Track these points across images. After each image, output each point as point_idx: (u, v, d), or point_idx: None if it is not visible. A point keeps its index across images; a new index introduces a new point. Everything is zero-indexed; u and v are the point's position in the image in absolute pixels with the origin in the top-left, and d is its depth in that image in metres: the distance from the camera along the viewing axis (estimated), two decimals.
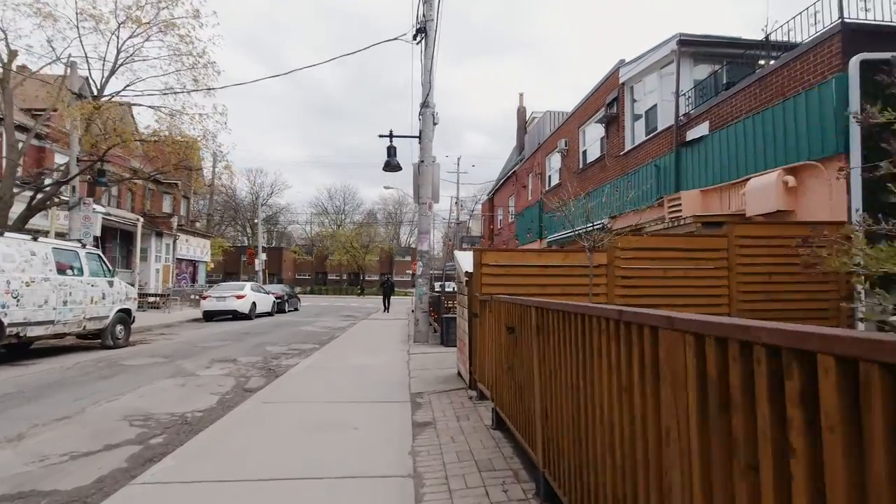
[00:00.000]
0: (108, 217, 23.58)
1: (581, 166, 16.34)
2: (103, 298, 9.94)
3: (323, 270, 68.71)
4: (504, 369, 3.98)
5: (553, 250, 6.19)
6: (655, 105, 11.86)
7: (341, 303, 39.06)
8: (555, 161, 19.79)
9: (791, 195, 7.32)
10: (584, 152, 16.35)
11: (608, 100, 13.97)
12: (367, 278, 69.43)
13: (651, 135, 11.69)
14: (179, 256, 32.62)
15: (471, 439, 3.99)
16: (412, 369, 7.40)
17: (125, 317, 10.63)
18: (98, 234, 21.14)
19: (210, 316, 18.26)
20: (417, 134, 11.22)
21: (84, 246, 10.08)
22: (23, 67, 16.80)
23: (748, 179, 8.14)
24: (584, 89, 20.43)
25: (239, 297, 18.23)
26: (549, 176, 20.41)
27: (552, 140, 19.68)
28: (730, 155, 8.84)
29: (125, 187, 28.76)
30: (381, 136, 11.22)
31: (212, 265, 48.97)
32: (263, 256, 37.93)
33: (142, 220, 21.74)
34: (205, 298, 18.27)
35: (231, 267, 54.55)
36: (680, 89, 10.55)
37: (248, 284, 19.79)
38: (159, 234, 29.93)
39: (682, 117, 10.45)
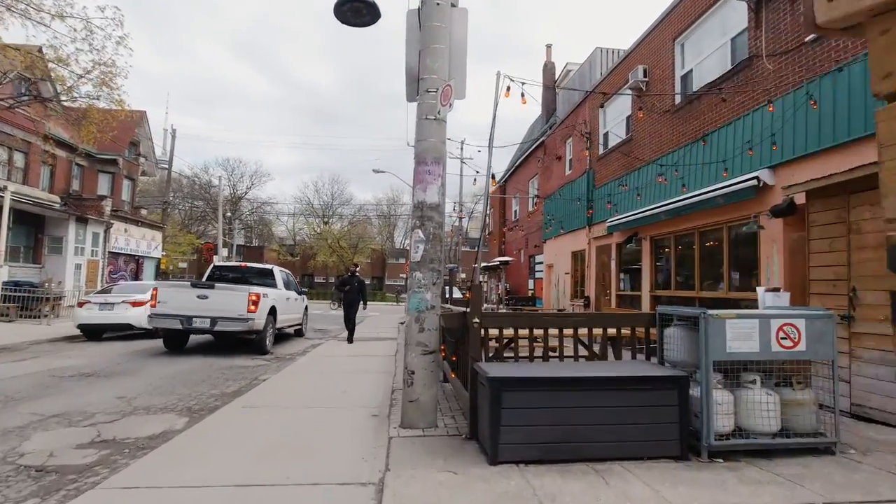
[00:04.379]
0: None
1: (682, 100, 10.09)
2: None
3: (308, 272, 62.11)
4: None
5: None
6: None
7: (319, 310, 32.60)
8: (616, 110, 13.53)
9: None
10: (687, 76, 10.10)
11: None
12: None
13: None
14: (115, 250, 26.12)
15: None
16: None
17: None
18: None
19: (93, 333, 11.79)
20: None
21: None
22: None
23: None
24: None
25: (136, 303, 11.77)
26: (606, 133, 14.13)
27: (614, 78, 13.43)
28: None
29: (34, 157, 22.30)
30: None
31: (182, 264, 42.34)
32: (224, 252, 31.47)
33: (9, 187, 15.18)
34: (81, 305, 11.79)
35: (206, 267, 48.00)
36: None
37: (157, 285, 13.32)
38: (82, 220, 23.41)
39: None
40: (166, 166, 33.16)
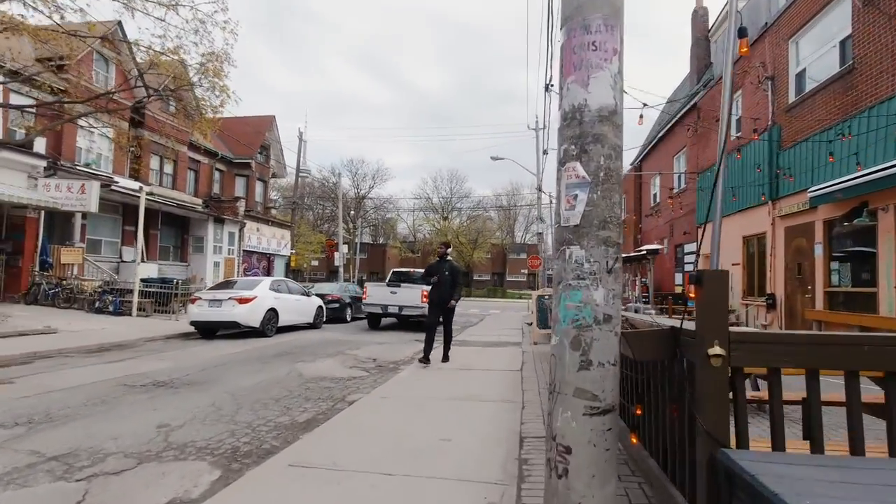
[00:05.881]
0: (125, 191, 18.13)
1: None
2: None
3: None
4: None
5: None
6: None
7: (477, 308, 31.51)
8: (818, 37, 9.83)
9: None
10: None
11: None
12: (476, 277, 61.88)
13: None
14: (248, 248, 27.54)
15: None
16: None
17: None
18: (94, 209, 15.73)
19: (206, 330, 11.44)
20: None
21: None
22: None
23: None
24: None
25: (243, 300, 11.13)
26: (801, 72, 10.43)
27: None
28: None
29: (182, 164, 24.10)
30: None
31: (313, 262, 44.79)
32: (345, 249, 31.91)
33: (145, 188, 15.82)
34: (193, 301, 11.46)
35: (333, 264, 50.30)
36: None
37: (267, 281, 12.70)
38: (219, 221, 24.82)
39: None
40: (295, 169, 34.69)
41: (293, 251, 33.62)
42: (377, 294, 14.13)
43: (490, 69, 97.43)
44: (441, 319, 7.95)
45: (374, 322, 14.94)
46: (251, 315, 11.15)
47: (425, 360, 7.48)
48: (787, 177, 10.04)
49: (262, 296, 11.64)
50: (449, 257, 8.26)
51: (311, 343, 10.92)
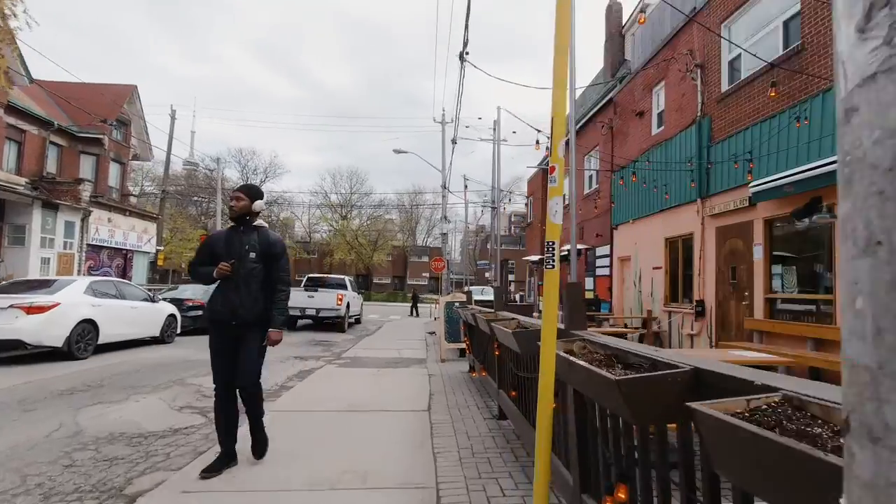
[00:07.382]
0: None
1: None
2: None
3: (326, 271, 58.43)
4: None
5: None
6: None
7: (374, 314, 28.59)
8: (757, 18, 8.98)
9: None
10: None
11: None
12: (376, 280, 59.09)
13: None
14: (96, 242, 22.50)
15: None
16: None
17: None
18: None
19: None
20: None
21: None
22: None
23: None
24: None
25: (33, 309, 7.73)
26: (736, 58, 9.58)
27: None
28: None
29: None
30: None
31: (179, 261, 38.49)
32: None
33: None
34: None
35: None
36: None
37: (82, 282, 9.21)
38: (52, 207, 19.75)
39: None
40: (166, 152, 29.51)
41: (161, 248, 28.58)
42: (295, 298, 14.76)
43: (397, 73, 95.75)
44: (238, 365, 3.42)
45: (292, 324, 15.57)
46: (47, 330, 7.76)
47: (212, 469, 3.27)
48: (744, 170, 8.94)
49: (71, 302, 8.27)
50: (260, 221, 3.65)
51: (142, 367, 7.85)
